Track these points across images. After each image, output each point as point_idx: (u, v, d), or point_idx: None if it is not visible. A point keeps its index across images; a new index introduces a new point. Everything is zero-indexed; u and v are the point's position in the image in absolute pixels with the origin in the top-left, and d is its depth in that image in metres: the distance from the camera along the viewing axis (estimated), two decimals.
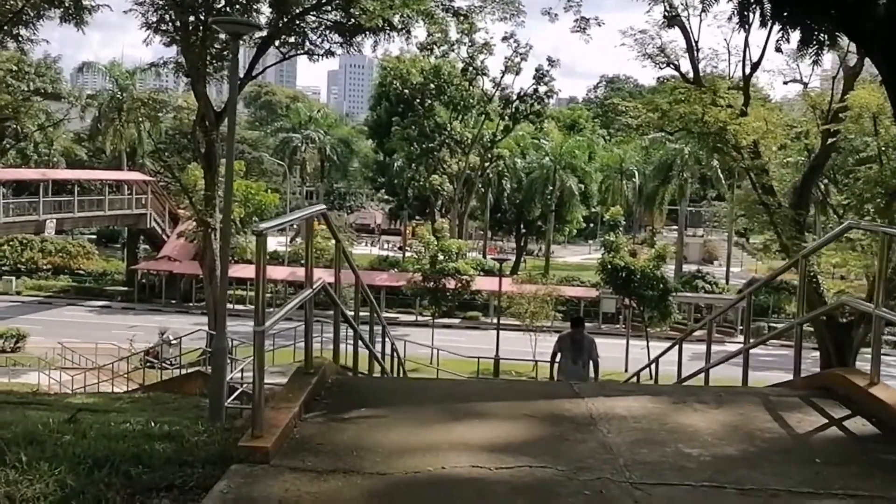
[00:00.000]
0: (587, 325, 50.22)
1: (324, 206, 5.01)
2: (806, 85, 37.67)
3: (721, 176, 59.43)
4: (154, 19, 30.75)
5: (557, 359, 11.74)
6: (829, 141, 33.44)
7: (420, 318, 47.21)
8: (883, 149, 29.65)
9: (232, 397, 15.17)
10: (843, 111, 30.90)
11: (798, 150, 38.89)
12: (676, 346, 10.88)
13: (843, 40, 21.55)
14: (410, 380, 8.92)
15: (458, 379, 13.45)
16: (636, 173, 65.91)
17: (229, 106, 8.22)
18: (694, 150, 58.72)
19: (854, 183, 32.92)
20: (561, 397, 4.62)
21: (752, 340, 8.35)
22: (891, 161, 29.20)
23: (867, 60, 36.12)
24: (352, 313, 6.79)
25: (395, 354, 11.50)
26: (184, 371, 23.96)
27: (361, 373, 7.52)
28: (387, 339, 9.80)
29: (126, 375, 26.97)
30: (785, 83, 40.26)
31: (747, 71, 34.74)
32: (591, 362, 11.58)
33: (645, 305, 37.31)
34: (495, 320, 49.85)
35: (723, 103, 33.38)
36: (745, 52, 34.34)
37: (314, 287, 4.79)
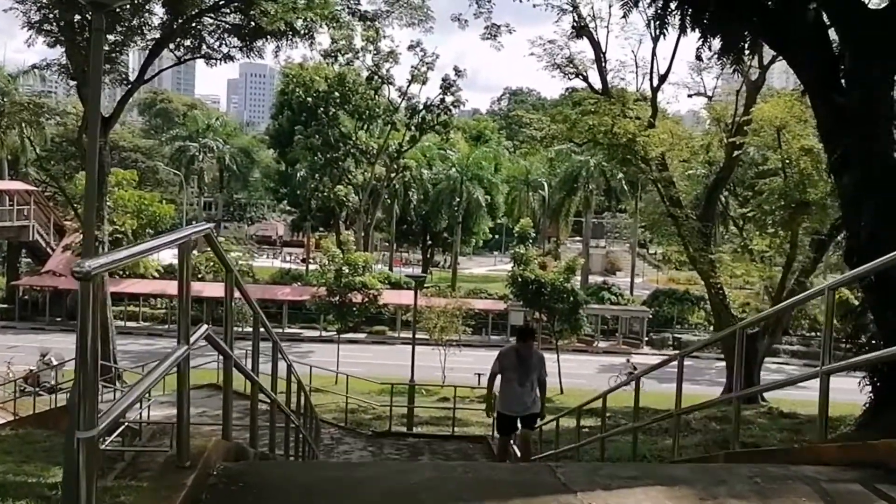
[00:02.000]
0: (495, 337, 50.20)
1: (208, 225, 3.71)
2: (710, 98, 38.12)
3: (626, 188, 59.95)
4: (37, 18, 28.61)
5: (497, 381, 9.61)
6: (735, 154, 33.78)
7: (325, 332, 45.61)
8: (787, 161, 29.88)
9: (113, 436, 13.50)
10: (747, 124, 31.20)
11: (701, 163, 39.24)
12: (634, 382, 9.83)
13: (762, 48, 21.44)
14: (333, 467, 7.17)
15: (398, 464, 11.17)
16: (543, 185, 65.83)
17: (91, 95, 6.84)
18: (599, 162, 59.01)
19: (757, 196, 33.29)
20: (543, 492, 3.42)
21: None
22: (793, 174, 29.47)
23: (769, 74, 36.89)
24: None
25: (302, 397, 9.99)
26: (60, 403, 21.78)
27: (265, 454, 5.80)
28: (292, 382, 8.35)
29: None
30: (689, 96, 40.95)
31: (655, 83, 34.78)
32: (538, 384, 9.54)
33: (556, 318, 36.74)
34: (402, 334, 48.86)
35: (631, 115, 33.30)
36: (652, 63, 34.40)
37: (192, 341, 3.43)
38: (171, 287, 50.19)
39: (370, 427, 18.32)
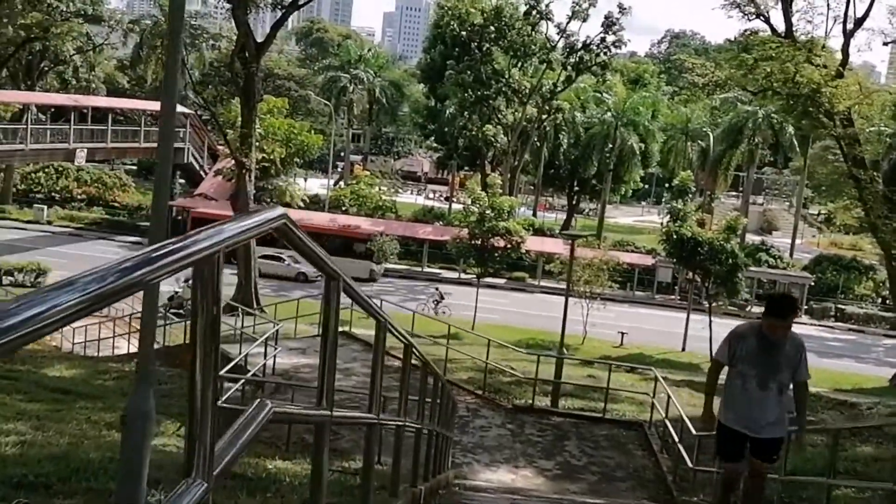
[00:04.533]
0: (640, 293, 47.88)
1: (281, 210, 2.06)
2: None
3: (796, 143, 55.38)
4: None
5: (723, 374, 6.51)
6: None
7: (464, 275, 44.57)
8: None
9: (231, 391, 12.52)
10: None
11: (888, 119, 35.30)
12: None
13: None
14: None
15: None
16: (705, 134, 61.68)
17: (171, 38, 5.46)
18: (768, 114, 54.64)
19: None
20: None
21: None
22: None
23: None
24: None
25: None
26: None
27: None
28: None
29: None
30: (885, 44, 36.43)
31: (849, 27, 31.11)
32: (794, 387, 6.25)
33: (711, 280, 34.07)
34: (542, 283, 47.24)
35: (818, 62, 29.87)
36: (847, 4, 30.74)
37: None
38: (314, 217, 50.38)
39: (510, 397, 16.77)
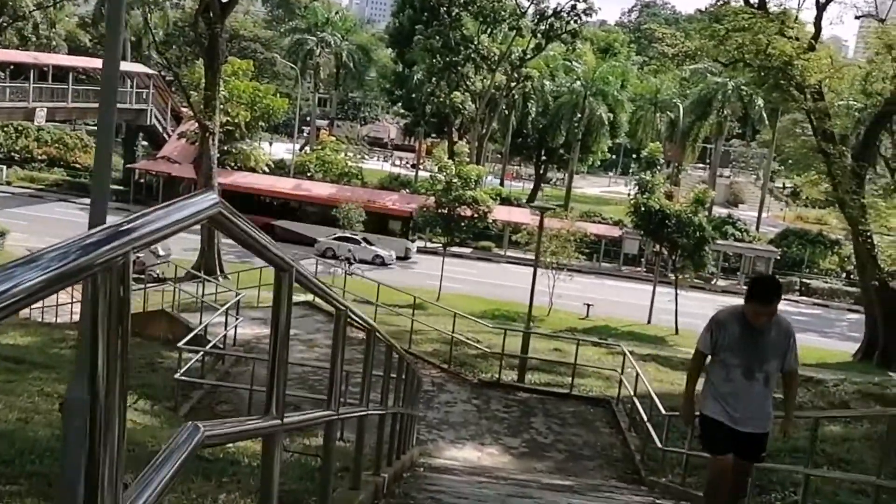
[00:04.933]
0: (606, 265, 47.88)
1: (214, 198, 1.71)
2: (882, 21, 33.74)
3: (765, 116, 55.49)
4: None
5: (706, 363, 5.89)
6: None
7: (429, 244, 44.24)
8: None
9: (191, 362, 12.10)
10: None
11: (857, 94, 35.36)
12: None
13: None
14: None
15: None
16: (674, 105, 61.51)
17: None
18: (738, 85, 54.65)
19: None
20: None
21: None
22: None
23: None
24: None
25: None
26: (153, 304, 20.89)
27: None
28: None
29: None
30: (857, 17, 36.33)
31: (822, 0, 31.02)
32: (782, 376, 5.76)
33: (677, 253, 34.05)
34: (509, 252, 47.01)
35: (791, 35, 29.75)
36: None
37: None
38: (279, 183, 49.61)
39: (475, 370, 16.45)
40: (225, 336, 15.41)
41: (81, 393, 3.92)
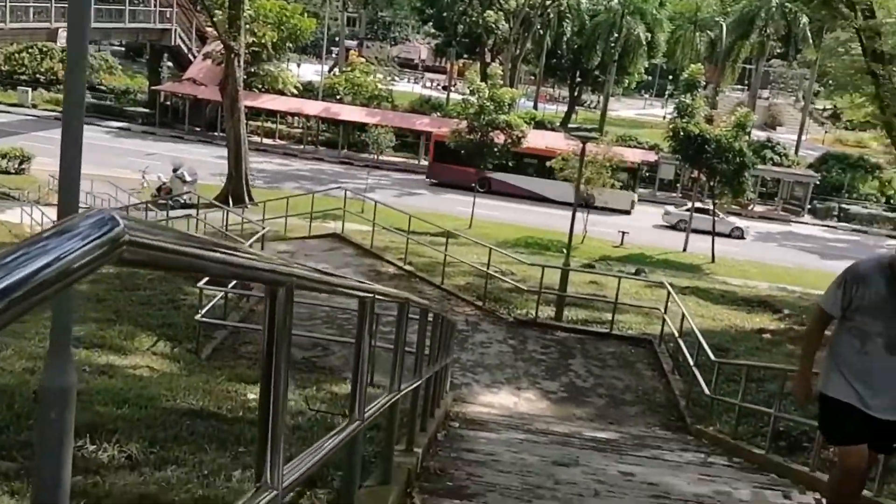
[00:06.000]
0: (641, 191, 46.66)
1: (114, 232, 1.05)
2: None
3: (809, 35, 53.11)
4: None
5: (831, 327, 4.60)
6: None
7: None
8: None
9: (209, 306, 11.52)
10: None
11: None
12: None
13: None
14: None
15: None
16: (717, 24, 59.05)
17: None
18: (782, 3, 52.25)
19: None
20: None
21: None
22: None
23: None
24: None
25: None
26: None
27: None
28: None
29: None
30: None
31: None
32: None
33: (716, 179, 32.91)
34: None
35: None
36: None
37: None
38: (307, 106, 48.68)
39: (510, 307, 15.77)
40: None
41: (62, 381, 3.30)
